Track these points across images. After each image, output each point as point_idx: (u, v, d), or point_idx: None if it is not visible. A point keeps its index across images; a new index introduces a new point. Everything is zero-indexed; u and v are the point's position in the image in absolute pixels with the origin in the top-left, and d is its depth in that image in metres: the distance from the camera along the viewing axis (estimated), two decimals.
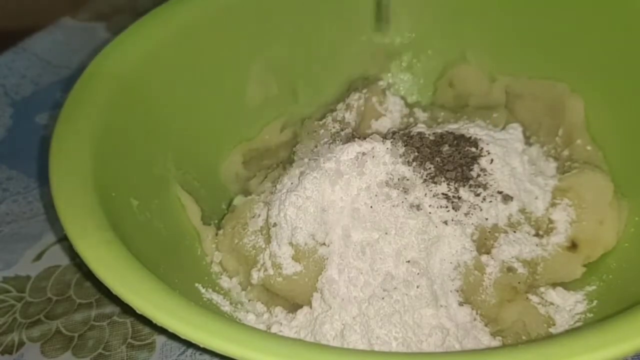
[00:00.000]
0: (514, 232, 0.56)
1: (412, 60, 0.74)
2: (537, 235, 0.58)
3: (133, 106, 0.58)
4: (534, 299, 0.56)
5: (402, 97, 0.68)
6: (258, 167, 0.68)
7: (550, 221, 0.58)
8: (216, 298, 0.56)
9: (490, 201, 0.56)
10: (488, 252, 0.55)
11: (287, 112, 0.71)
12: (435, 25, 0.72)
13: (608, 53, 0.62)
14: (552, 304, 0.56)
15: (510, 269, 0.54)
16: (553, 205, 0.59)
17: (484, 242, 0.55)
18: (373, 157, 0.56)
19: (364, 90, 0.66)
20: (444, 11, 0.71)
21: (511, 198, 0.56)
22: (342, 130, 0.64)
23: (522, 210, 0.57)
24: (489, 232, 0.55)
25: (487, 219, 0.55)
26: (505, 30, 0.69)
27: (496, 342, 0.53)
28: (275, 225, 0.57)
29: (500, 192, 0.57)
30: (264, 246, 0.58)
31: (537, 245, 0.57)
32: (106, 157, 0.52)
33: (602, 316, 0.49)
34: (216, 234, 0.61)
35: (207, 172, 0.66)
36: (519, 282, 0.54)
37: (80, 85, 0.57)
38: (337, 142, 0.61)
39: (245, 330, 0.40)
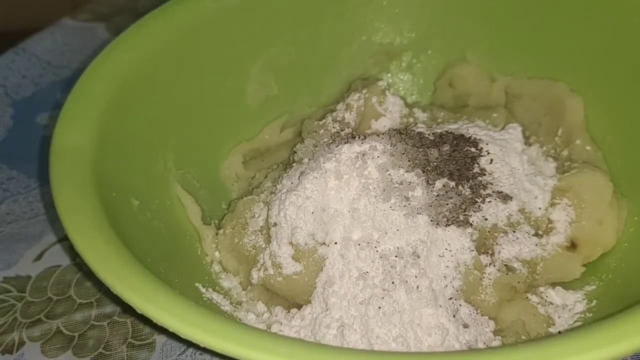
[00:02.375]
0: (514, 231, 0.56)
1: (411, 60, 0.74)
2: (536, 235, 0.58)
3: (133, 106, 0.58)
4: (534, 298, 0.56)
5: (402, 97, 0.68)
6: (258, 167, 0.68)
7: (550, 221, 0.58)
8: (216, 298, 0.56)
9: (490, 201, 0.56)
10: (488, 252, 0.55)
11: (287, 112, 0.71)
12: (435, 25, 0.72)
13: (607, 53, 0.62)
14: (551, 303, 0.56)
15: (509, 269, 0.55)
16: (552, 205, 0.59)
17: (484, 242, 0.55)
18: (373, 157, 0.57)
19: (364, 91, 0.66)
20: (444, 11, 0.71)
21: (511, 198, 0.56)
22: (342, 130, 0.64)
23: (521, 210, 0.57)
24: (489, 231, 0.55)
25: (486, 218, 0.55)
26: (505, 30, 0.69)
27: (496, 342, 0.53)
28: (275, 225, 0.57)
29: (499, 192, 0.57)
30: (264, 246, 0.58)
31: (536, 245, 0.57)
32: (106, 157, 0.52)
33: (601, 316, 0.49)
34: (216, 234, 0.61)
35: (207, 172, 0.66)
36: (518, 282, 0.54)
37: (81, 86, 0.57)
38: (337, 142, 0.61)
39: (246, 330, 0.40)
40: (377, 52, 0.73)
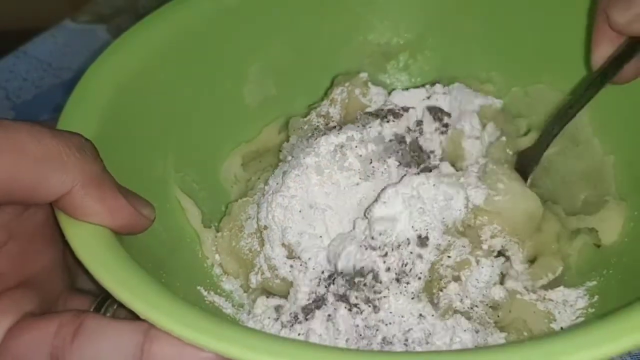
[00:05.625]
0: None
1: (408, 61, 0.74)
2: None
3: (133, 108, 0.58)
4: (533, 296, 0.55)
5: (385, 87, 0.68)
6: (256, 168, 0.67)
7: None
8: (218, 300, 0.56)
9: None
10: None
11: (286, 113, 0.71)
12: (432, 26, 0.72)
13: None
14: (551, 300, 0.56)
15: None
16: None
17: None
18: (351, 147, 0.56)
19: (347, 84, 0.65)
20: (441, 12, 0.71)
21: None
22: (326, 124, 0.64)
23: None
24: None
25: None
26: (503, 31, 0.68)
27: (500, 340, 0.53)
28: (265, 227, 0.56)
29: None
30: (259, 249, 0.58)
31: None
32: (105, 160, 0.52)
33: (603, 311, 0.49)
34: (216, 237, 0.61)
35: (207, 175, 0.65)
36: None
37: (80, 88, 0.56)
38: (316, 135, 0.60)
39: (247, 332, 0.40)
40: (373, 52, 0.73)
